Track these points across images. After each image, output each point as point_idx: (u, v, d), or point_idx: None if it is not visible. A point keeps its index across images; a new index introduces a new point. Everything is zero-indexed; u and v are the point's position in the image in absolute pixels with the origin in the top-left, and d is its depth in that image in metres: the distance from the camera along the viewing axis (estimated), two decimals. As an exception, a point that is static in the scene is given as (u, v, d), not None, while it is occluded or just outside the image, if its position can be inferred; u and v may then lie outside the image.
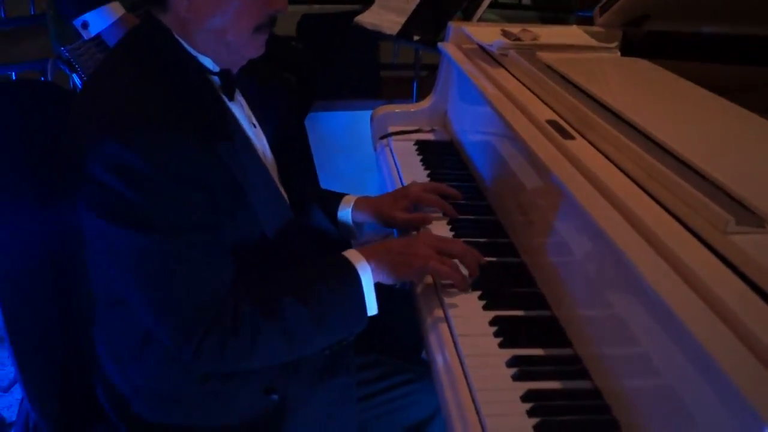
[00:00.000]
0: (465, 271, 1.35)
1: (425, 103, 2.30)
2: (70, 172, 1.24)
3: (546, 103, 1.58)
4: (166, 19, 1.28)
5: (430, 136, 2.21)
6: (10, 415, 2.44)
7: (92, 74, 1.37)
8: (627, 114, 1.40)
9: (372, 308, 1.28)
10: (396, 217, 1.60)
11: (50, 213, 1.35)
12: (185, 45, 1.29)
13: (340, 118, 3.37)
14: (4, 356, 2.77)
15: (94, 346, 1.38)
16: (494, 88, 1.73)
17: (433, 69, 3.10)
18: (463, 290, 1.33)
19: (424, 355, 1.56)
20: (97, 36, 2.35)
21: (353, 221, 1.63)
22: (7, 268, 1.32)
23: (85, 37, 2.36)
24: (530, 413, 1.06)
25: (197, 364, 1.22)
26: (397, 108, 2.33)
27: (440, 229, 1.60)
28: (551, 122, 1.46)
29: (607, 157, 1.29)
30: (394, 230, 1.68)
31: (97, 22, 2.32)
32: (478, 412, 1.08)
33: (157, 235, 1.15)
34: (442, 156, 2.04)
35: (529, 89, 1.69)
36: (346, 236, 1.65)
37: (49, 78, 2.22)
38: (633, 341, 1.03)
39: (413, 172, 1.94)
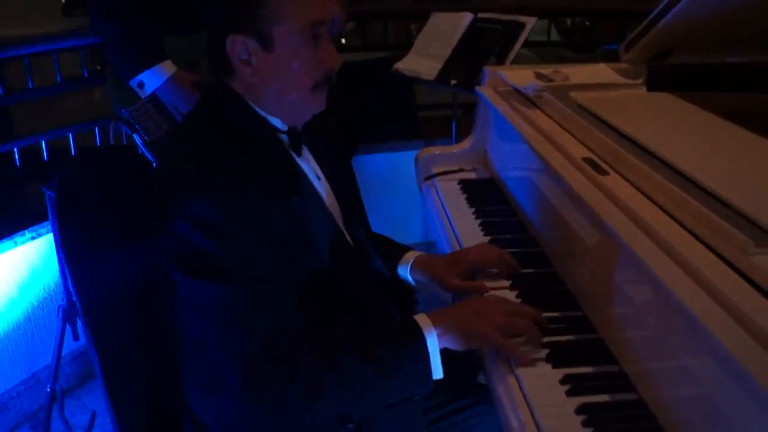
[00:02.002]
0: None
1: (465, 144, 2.45)
2: (157, 223, 1.39)
3: (581, 141, 1.71)
4: (235, 85, 1.42)
5: (472, 175, 2.35)
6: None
7: (172, 137, 1.51)
8: (655, 149, 1.53)
9: (437, 372, 1.34)
10: (451, 283, 1.65)
11: (135, 258, 1.52)
12: (255, 107, 1.43)
13: (382, 160, 3.54)
14: (86, 401, 2.96)
15: (181, 384, 1.51)
16: (531, 128, 1.88)
17: (468, 108, 3.26)
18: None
19: (480, 378, 1.69)
20: (154, 95, 2.53)
21: (413, 280, 1.72)
22: (102, 306, 1.48)
23: (142, 96, 2.54)
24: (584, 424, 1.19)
25: (259, 412, 1.31)
26: (438, 150, 2.48)
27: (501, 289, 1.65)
28: (587, 159, 1.60)
29: (639, 190, 1.42)
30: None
31: (151, 80, 2.50)
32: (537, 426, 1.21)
33: (229, 285, 1.27)
34: (484, 193, 2.18)
35: (564, 128, 1.83)
36: (408, 291, 1.75)
37: (111, 139, 2.40)
38: (672, 356, 1.15)
39: (459, 211, 2.08)
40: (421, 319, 1.38)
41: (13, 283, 2.82)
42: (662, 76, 2.21)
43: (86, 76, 3.27)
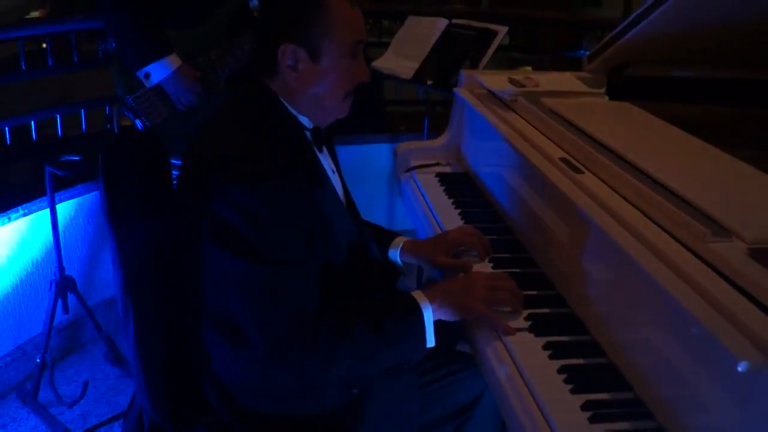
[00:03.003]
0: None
1: (441, 140, 2.68)
2: (187, 207, 1.59)
3: (556, 143, 1.95)
4: (273, 84, 1.62)
5: (448, 169, 2.58)
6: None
7: (206, 127, 1.68)
8: (622, 152, 1.77)
9: (431, 341, 1.60)
10: (438, 260, 1.87)
11: (164, 227, 1.70)
12: (288, 106, 1.63)
13: (352, 152, 3.73)
14: (70, 372, 3.09)
15: (203, 348, 1.69)
16: (511, 129, 2.11)
17: (432, 105, 3.50)
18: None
19: (459, 346, 1.93)
20: (158, 85, 2.70)
21: (401, 261, 1.94)
22: (138, 264, 1.66)
23: (147, 86, 2.71)
24: (566, 381, 1.43)
25: (282, 376, 1.54)
26: (415, 144, 2.71)
27: (481, 266, 1.90)
28: (563, 159, 1.84)
29: (611, 187, 1.66)
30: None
31: (157, 72, 2.68)
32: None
33: (264, 265, 1.47)
34: (461, 186, 2.41)
35: (539, 131, 2.07)
36: (395, 271, 1.96)
37: (115, 123, 2.56)
38: (638, 325, 1.40)
39: (439, 201, 2.31)
40: (418, 295, 1.62)
41: (2, 257, 2.94)
42: (621, 86, 2.46)
43: (76, 60, 3.39)
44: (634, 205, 1.57)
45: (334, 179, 1.76)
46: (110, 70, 2.87)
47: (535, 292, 1.74)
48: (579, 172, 1.77)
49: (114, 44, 2.80)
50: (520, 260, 1.91)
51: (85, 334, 3.29)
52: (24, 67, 3.16)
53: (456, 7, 8.47)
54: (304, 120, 1.67)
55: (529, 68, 4.72)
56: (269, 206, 1.47)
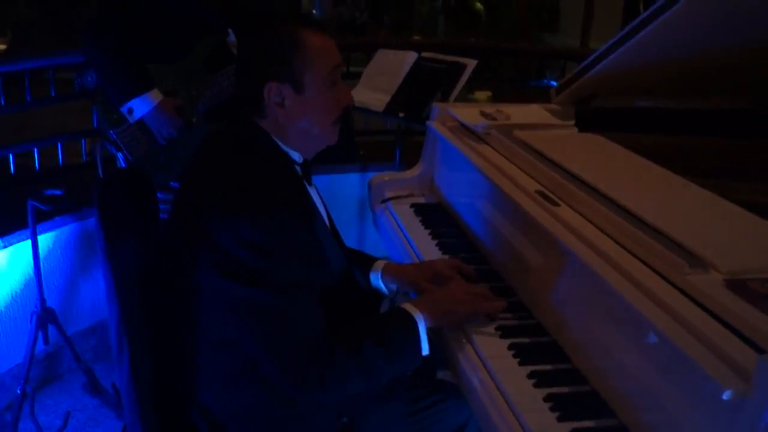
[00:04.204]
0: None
1: (414, 172, 2.73)
2: (182, 239, 1.64)
3: (530, 176, 2.02)
4: (262, 122, 1.67)
5: (422, 200, 2.63)
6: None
7: (199, 162, 1.74)
8: (595, 183, 1.84)
9: (425, 349, 1.67)
10: (423, 286, 1.89)
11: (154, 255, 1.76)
12: (278, 142, 1.69)
13: (322, 181, 3.77)
14: (48, 403, 3.07)
15: (195, 378, 1.72)
16: (485, 161, 2.17)
17: (399, 135, 3.57)
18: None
19: (439, 375, 1.98)
20: (140, 119, 2.73)
21: (383, 284, 1.99)
22: (129, 305, 1.70)
23: (130, 121, 2.74)
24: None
25: (301, 394, 1.60)
26: (389, 176, 2.75)
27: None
28: (539, 192, 1.90)
29: (587, 219, 1.72)
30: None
31: (140, 107, 2.72)
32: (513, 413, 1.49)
33: (274, 293, 1.53)
34: (436, 216, 2.46)
35: (513, 163, 2.13)
36: (375, 293, 2.01)
37: (98, 157, 2.58)
38: (607, 341, 1.46)
39: (415, 231, 2.36)
40: (409, 307, 1.70)
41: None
42: (589, 118, 2.54)
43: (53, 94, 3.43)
44: (611, 237, 1.63)
45: (322, 210, 1.81)
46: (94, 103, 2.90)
47: (516, 322, 1.80)
48: (555, 204, 1.83)
49: (93, 79, 2.82)
50: (498, 289, 1.96)
51: (63, 364, 3.28)
52: (3, 102, 3.19)
53: (416, 39, 8.60)
54: (295, 155, 1.72)
55: (489, 93, 4.83)
56: (273, 236, 1.53)
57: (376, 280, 1.99)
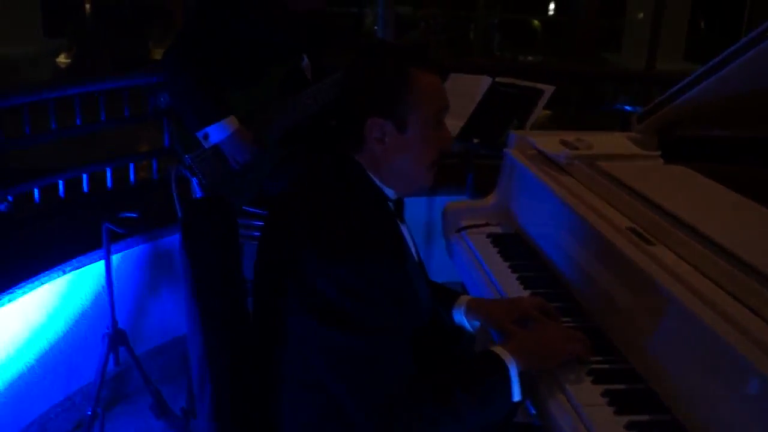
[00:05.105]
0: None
1: (490, 201, 2.68)
2: (274, 277, 1.61)
3: (620, 211, 1.95)
4: (358, 156, 1.63)
5: (498, 230, 2.57)
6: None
7: (292, 197, 1.70)
8: (691, 221, 1.77)
9: (517, 395, 1.60)
10: (508, 328, 1.79)
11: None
12: (373, 178, 1.65)
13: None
14: (116, 424, 3.09)
15: (276, 419, 1.68)
16: (570, 194, 2.10)
17: (469, 158, 3.52)
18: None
19: (517, 417, 1.91)
20: (215, 145, 2.74)
21: (467, 321, 1.91)
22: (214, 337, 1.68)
23: (205, 146, 2.75)
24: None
25: None
26: (464, 204, 2.71)
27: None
28: (631, 229, 1.83)
29: (686, 261, 1.65)
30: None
31: (216, 133, 2.73)
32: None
33: (369, 339, 1.49)
34: (514, 248, 2.39)
35: (600, 197, 2.06)
36: (459, 330, 1.94)
37: (173, 181, 2.59)
38: (711, 396, 1.38)
39: (494, 264, 2.29)
40: (500, 351, 1.62)
41: (54, 309, 2.96)
42: (676, 148, 2.46)
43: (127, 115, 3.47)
44: (713, 281, 1.56)
45: (413, 249, 1.77)
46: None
47: (607, 366, 1.72)
48: (650, 243, 1.76)
49: (166, 99, 2.85)
50: (585, 329, 1.88)
51: (131, 384, 3.29)
52: (79, 122, 3.25)
53: (478, 60, 8.49)
54: (389, 191, 1.68)
55: (548, 111, 4.74)
56: (370, 282, 1.49)
57: (460, 317, 1.92)
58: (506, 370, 1.59)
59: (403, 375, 1.53)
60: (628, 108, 3.81)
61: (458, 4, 11.01)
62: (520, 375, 1.61)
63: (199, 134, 2.72)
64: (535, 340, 1.70)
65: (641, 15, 10.24)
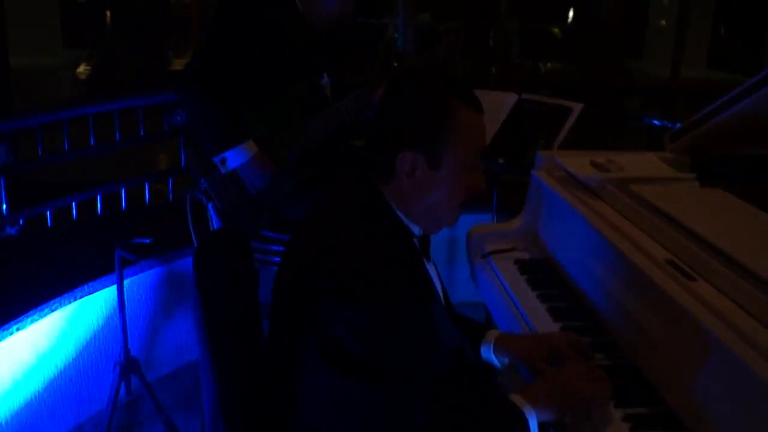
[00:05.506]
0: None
1: (516, 224, 2.56)
2: (290, 319, 1.51)
3: (657, 241, 1.83)
4: (386, 189, 1.53)
5: (525, 255, 2.45)
6: None
7: (312, 230, 1.58)
8: (733, 253, 1.64)
9: None
10: (539, 367, 1.69)
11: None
12: (399, 214, 1.54)
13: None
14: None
15: None
16: (604, 222, 1.99)
17: (494, 176, 3.40)
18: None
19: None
20: (233, 170, 2.64)
21: (495, 357, 1.80)
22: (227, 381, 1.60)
23: (223, 171, 2.65)
24: None
25: None
26: (490, 227, 2.60)
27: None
28: (670, 262, 1.71)
29: (731, 299, 1.54)
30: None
31: (234, 158, 2.63)
32: None
33: (389, 390, 1.39)
34: (543, 276, 2.28)
35: (635, 225, 1.94)
36: (486, 366, 1.83)
37: (188, 205, 2.51)
38: None
39: (522, 293, 2.18)
40: (519, 401, 1.50)
41: (64, 335, 2.90)
42: (710, 169, 2.34)
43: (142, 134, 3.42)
44: (757, 319, 1.45)
45: (439, 287, 1.67)
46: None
47: (644, 410, 1.61)
48: (691, 279, 1.64)
49: (182, 118, 2.76)
50: (621, 367, 1.78)
51: (143, 412, 3.21)
52: (93, 141, 3.18)
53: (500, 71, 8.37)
54: (415, 228, 1.58)
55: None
56: (385, 323, 1.39)
57: (488, 353, 1.81)
58: (525, 423, 1.47)
59: (423, 424, 1.42)
60: (656, 122, 3.68)
61: (479, 13, 10.90)
62: (546, 424, 1.51)
63: (216, 159, 2.63)
64: (561, 382, 1.57)
65: (663, 22, 10.10)
